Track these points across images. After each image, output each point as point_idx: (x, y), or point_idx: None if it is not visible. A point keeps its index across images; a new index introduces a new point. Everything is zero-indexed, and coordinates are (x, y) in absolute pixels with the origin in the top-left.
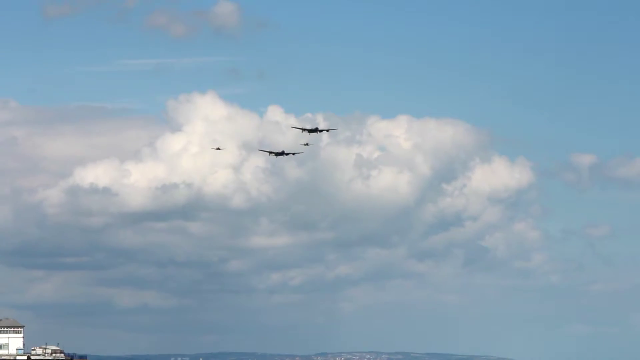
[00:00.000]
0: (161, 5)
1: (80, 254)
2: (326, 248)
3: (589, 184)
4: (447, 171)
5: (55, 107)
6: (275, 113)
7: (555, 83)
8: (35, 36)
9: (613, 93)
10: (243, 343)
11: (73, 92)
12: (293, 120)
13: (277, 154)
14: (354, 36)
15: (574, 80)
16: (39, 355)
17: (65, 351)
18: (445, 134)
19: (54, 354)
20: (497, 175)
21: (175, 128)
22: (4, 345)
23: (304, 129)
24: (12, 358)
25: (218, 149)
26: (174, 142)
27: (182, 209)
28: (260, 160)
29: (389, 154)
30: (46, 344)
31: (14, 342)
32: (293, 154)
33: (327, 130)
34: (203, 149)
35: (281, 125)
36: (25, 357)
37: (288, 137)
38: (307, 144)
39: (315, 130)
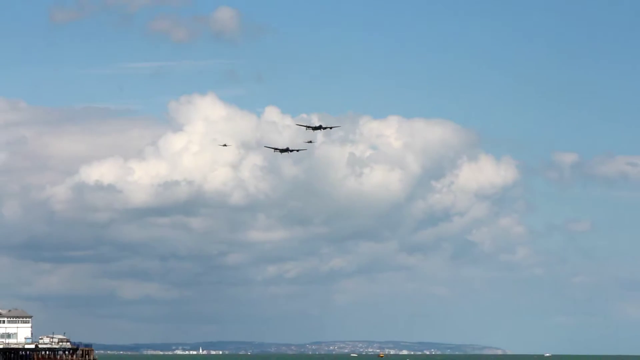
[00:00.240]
0: (163, 11)
1: (86, 247)
2: (320, 242)
3: (571, 181)
4: (436, 169)
5: (62, 108)
6: (272, 113)
7: (539, 86)
8: (43, 40)
9: (594, 95)
10: (241, 332)
11: (79, 94)
12: (289, 120)
13: (282, 151)
14: (347, 41)
15: (557, 83)
16: (46, 344)
17: (71, 340)
18: (434, 133)
19: (60, 343)
20: (483, 173)
21: (177, 128)
22: (12, 334)
23: (307, 127)
24: (20, 347)
25: (225, 145)
26: (175, 142)
27: (183, 205)
28: (258, 159)
29: (381, 153)
30: (53, 334)
31: (23, 331)
32: (297, 150)
33: (331, 128)
34: (203, 148)
35: (278, 125)
36: (33, 346)
37: (284, 136)
38: (310, 142)
39: (319, 127)
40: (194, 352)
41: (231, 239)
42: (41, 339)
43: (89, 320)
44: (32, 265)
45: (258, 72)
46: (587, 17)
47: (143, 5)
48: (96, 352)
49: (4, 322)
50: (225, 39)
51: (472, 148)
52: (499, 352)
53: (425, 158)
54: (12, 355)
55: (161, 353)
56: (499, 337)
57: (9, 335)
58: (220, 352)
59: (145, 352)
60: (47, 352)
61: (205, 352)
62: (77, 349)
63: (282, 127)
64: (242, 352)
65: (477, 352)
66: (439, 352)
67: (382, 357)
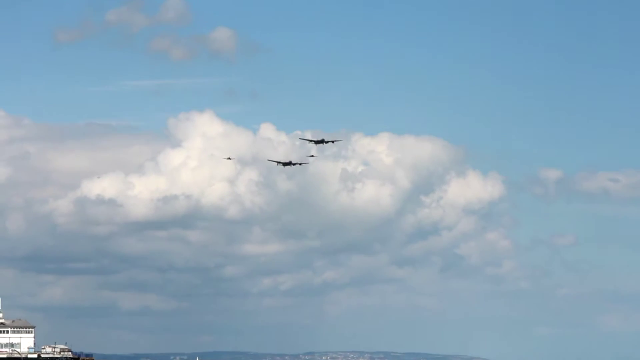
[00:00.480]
0: (163, 31)
1: (87, 260)
2: (314, 255)
3: (556, 196)
4: (425, 184)
5: (65, 125)
6: (267, 130)
7: (524, 104)
8: (47, 59)
9: (577, 113)
10: (237, 343)
11: (82, 111)
12: (284, 137)
13: (285, 164)
14: (340, 60)
15: (541, 101)
16: (48, 353)
17: (73, 350)
18: (423, 150)
19: (62, 353)
20: (471, 189)
21: (176, 144)
22: (16, 344)
23: (310, 140)
24: (23, 356)
25: (229, 158)
26: (174, 157)
27: (181, 219)
28: (253, 174)
29: (372, 169)
30: (55, 343)
31: (26, 341)
32: (300, 164)
33: (333, 142)
34: (201, 163)
35: (273, 141)
36: (35, 356)
37: (280, 151)
38: (312, 156)
39: (322, 141)
40: None
41: (227, 252)
42: (44, 348)
43: (90, 331)
44: (35, 276)
45: (254, 90)
46: (570, 37)
47: (144, 26)
48: None
49: (7, 332)
50: (222, 58)
51: (460, 164)
52: None
53: (415, 174)
54: None
55: None
56: (485, 348)
57: (12, 345)
58: None
59: None
60: None
61: None
62: (78, 359)
63: (277, 143)
64: None
65: None
66: None
67: None
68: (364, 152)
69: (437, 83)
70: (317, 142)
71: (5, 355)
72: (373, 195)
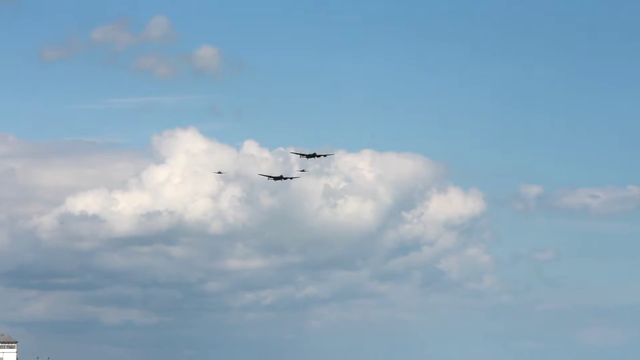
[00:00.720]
0: (148, 50)
1: (70, 275)
2: (296, 270)
3: (536, 212)
4: (407, 200)
5: (50, 142)
6: (250, 147)
7: (503, 122)
8: (33, 77)
9: (557, 130)
10: (219, 357)
11: (67, 128)
12: (267, 154)
13: (276, 179)
14: (323, 78)
15: (521, 119)
16: None
17: None
18: (405, 166)
19: None
20: (452, 205)
21: (159, 161)
22: None
23: (302, 155)
24: None
25: (219, 172)
26: (158, 174)
27: (164, 235)
28: (236, 190)
29: (354, 185)
30: (38, 358)
31: (8, 356)
32: (291, 178)
33: (325, 155)
34: (184, 180)
35: (256, 157)
36: None
37: (262, 168)
38: (303, 170)
39: (313, 155)
40: None
41: (210, 267)
42: None
43: (73, 346)
44: (18, 292)
45: (238, 108)
46: (550, 54)
47: (129, 44)
48: None
49: None
50: (206, 76)
51: (441, 180)
52: None
53: (396, 190)
54: None
55: None
56: None
57: None
58: None
59: None
60: None
61: None
62: None
63: (260, 159)
64: None
65: None
66: None
67: None
68: (346, 169)
69: (419, 100)
70: (308, 156)
71: None
72: (355, 211)
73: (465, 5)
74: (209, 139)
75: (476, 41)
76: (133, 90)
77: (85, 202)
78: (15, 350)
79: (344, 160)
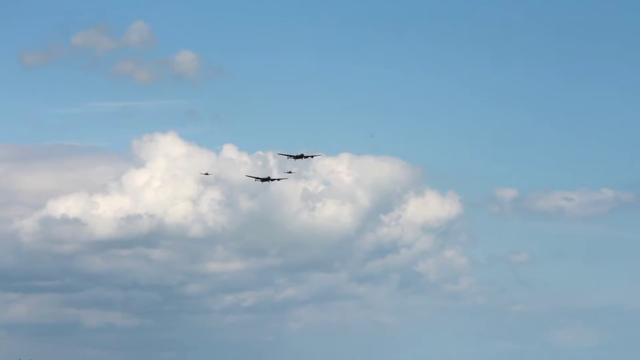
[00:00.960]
0: (128, 55)
1: (52, 278)
2: (275, 272)
3: (511, 215)
4: (385, 203)
5: (31, 146)
6: (229, 151)
7: (479, 125)
8: (14, 81)
9: (532, 133)
10: (199, 359)
11: (47, 132)
12: (246, 157)
13: (263, 180)
14: (301, 82)
15: (496, 123)
16: None
17: None
18: (382, 170)
19: None
20: (429, 207)
21: (139, 164)
22: None
23: (289, 156)
24: None
25: (206, 174)
26: (138, 177)
27: (145, 238)
28: (216, 194)
29: (333, 188)
30: None
31: None
32: (278, 179)
33: (312, 156)
34: (164, 183)
35: (235, 161)
36: None
37: (241, 172)
38: (290, 172)
39: (301, 156)
40: None
41: (190, 270)
42: None
43: (55, 348)
44: None
45: (217, 112)
46: (525, 59)
47: (108, 49)
48: None
49: None
50: (186, 81)
51: (419, 184)
52: None
53: (374, 193)
54: None
55: None
56: None
57: None
58: None
59: None
60: None
61: None
62: None
63: (239, 163)
64: None
65: None
66: None
67: None
68: (324, 172)
69: (395, 105)
70: (296, 157)
71: None
72: (333, 214)
73: (441, 8)
74: (189, 142)
75: (452, 44)
76: (113, 94)
77: (66, 206)
78: None
79: (322, 164)
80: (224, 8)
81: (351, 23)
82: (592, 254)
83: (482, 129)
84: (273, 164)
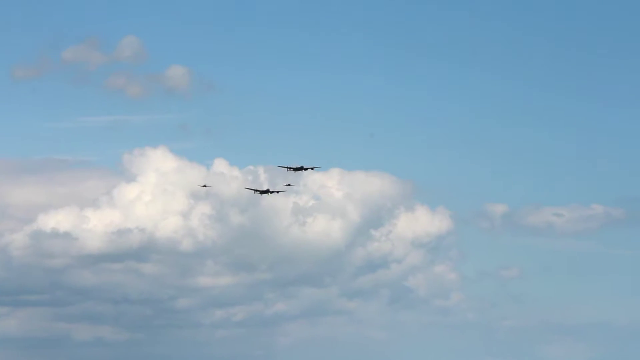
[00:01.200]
0: (119, 69)
1: (42, 292)
2: (265, 287)
3: (501, 230)
4: (375, 218)
5: (21, 159)
6: (220, 165)
7: (470, 141)
8: (4, 96)
9: (522, 149)
10: None
11: (38, 146)
12: (237, 172)
13: (262, 192)
14: (292, 98)
15: (487, 139)
16: None
17: None
18: (373, 185)
19: None
20: (419, 223)
21: (130, 179)
22: None
23: (289, 168)
24: None
25: (205, 186)
26: (128, 191)
27: (135, 252)
28: (206, 208)
29: (323, 203)
30: None
31: None
32: (277, 192)
33: (312, 168)
34: (155, 198)
35: (226, 176)
36: None
37: (232, 186)
38: (289, 185)
39: (301, 168)
40: None
41: (181, 284)
42: None
43: None
44: None
45: (207, 127)
46: (515, 74)
47: (100, 64)
48: None
49: None
50: (176, 95)
51: (409, 199)
52: None
53: (364, 208)
54: None
55: None
56: None
57: None
58: None
59: None
60: None
61: None
62: None
63: (230, 178)
64: None
65: None
66: None
67: None
68: (315, 187)
69: (385, 120)
70: (296, 170)
71: None
72: (324, 229)
73: (429, 21)
74: (179, 157)
75: (442, 60)
76: (104, 109)
77: (57, 220)
78: None
79: (313, 179)
80: (215, 23)
81: (342, 39)
82: (582, 269)
83: (473, 145)
84: (264, 179)
